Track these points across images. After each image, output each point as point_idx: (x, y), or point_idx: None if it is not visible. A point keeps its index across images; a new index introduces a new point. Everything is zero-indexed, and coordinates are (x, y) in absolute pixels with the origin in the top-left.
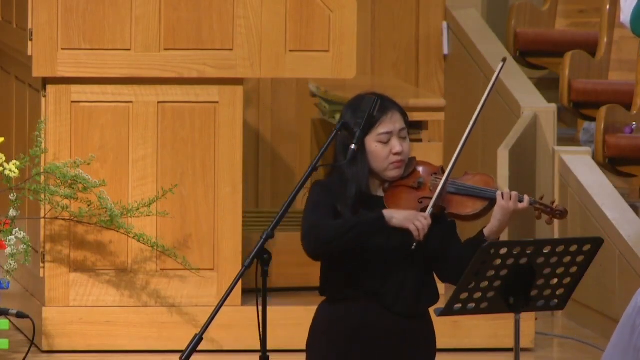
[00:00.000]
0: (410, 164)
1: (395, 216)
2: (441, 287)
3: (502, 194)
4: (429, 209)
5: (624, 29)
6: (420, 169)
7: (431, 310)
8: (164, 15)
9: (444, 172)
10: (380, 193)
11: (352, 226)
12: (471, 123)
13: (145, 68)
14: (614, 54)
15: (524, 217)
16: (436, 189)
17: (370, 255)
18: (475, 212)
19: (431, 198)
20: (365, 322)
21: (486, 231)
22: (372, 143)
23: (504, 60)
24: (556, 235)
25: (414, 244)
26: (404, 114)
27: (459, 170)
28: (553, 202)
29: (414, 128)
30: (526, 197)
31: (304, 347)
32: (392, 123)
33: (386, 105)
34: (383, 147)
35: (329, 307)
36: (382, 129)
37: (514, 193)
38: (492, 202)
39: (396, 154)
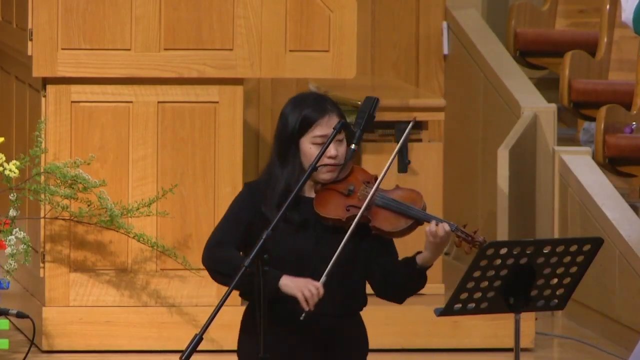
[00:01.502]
0: (346, 167)
1: (289, 283)
2: (440, 287)
3: (430, 226)
4: (323, 279)
5: (624, 29)
6: (355, 175)
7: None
8: (164, 15)
9: (375, 182)
10: (312, 194)
11: (246, 276)
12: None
13: (145, 68)
14: (614, 54)
15: (524, 217)
16: (364, 199)
17: (301, 259)
18: (398, 230)
19: (358, 207)
20: (293, 322)
21: (419, 259)
22: (307, 144)
23: (414, 119)
24: (556, 235)
25: (303, 314)
26: (341, 117)
27: (390, 181)
28: (475, 232)
29: (414, 128)
30: (447, 224)
31: None
32: (328, 126)
33: (324, 108)
34: (317, 149)
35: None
36: (317, 131)
37: (439, 225)
38: (416, 222)
39: (330, 157)
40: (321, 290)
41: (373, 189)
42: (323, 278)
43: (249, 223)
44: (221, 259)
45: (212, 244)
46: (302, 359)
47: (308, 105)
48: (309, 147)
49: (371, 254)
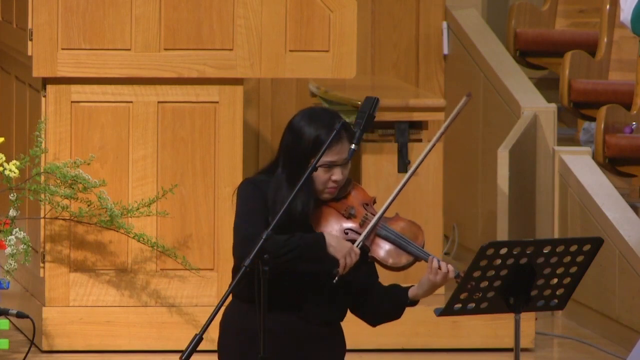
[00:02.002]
0: (346, 184)
1: (333, 244)
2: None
3: (432, 264)
4: (358, 244)
5: (624, 29)
6: (353, 194)
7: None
8: (164, 15)
9: (374, 204)
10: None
11: (293, 247)
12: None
13: (145, 68)
14: (614, 54)
15: (524, 217)
16: (366, 226)
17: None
18: (396, 266)
19: (358, 233)
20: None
21: (410, 293)
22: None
23: (469, 95)
24: (556, 235)
25: (336, 278)
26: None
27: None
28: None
29: (414, 128)
30: (451, 269)
31: None
32: (339, 154)
33: (340, 135)
34: (324, 173)
35: (239, 305)
36: (329, 157)
37: (442, 264)
38: (416, 259)
39: (334, 180)
40: (358, 257)
41: (375, 218)
42: (358, 243)
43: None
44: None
45: (241, 240)
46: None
47: (323, 127)
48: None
49: (363, 280)
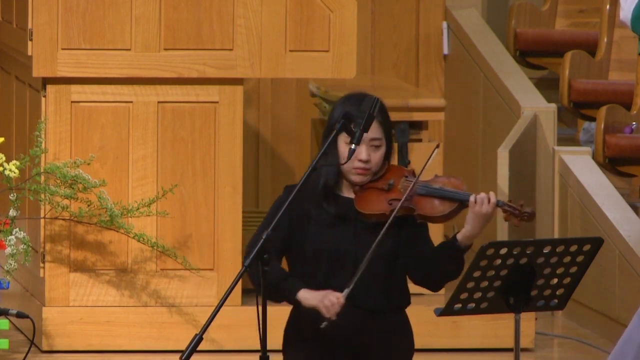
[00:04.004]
0: (381, 168)
1: (308, 297)
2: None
3: (475, 198)
4: (346, 290)
5: (624, 28)
6: (392, 171)
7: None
8: (164, 15)
9: (414, 175)
10: (350, 194)
11: (273, 285)
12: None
13: (145, 68)
14: (614, 54)
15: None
16: (406, 190)
17: (340, 257)
18: (444, 214)
19: (399, 199)
20: (336, 321)
21: (459, 236)
22: (342, 143)
23: (438, 146)
24: (556, 235)
25: (324, 323)
26: (385, 125)
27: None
28: (522, 205)
29: (414, 128)
30: (493, 195)
31: None
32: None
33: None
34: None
35: (299, 307)
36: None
37: (484, 196)
38: (463, 204)
39: (360, 160)
40: (342, 300)
41: (415, 178)
42: (346, 290)
43: (290, 224)
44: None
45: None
46: (337, 356)
47: (354, 103)
48: (342, 146)
49: (407, 244)
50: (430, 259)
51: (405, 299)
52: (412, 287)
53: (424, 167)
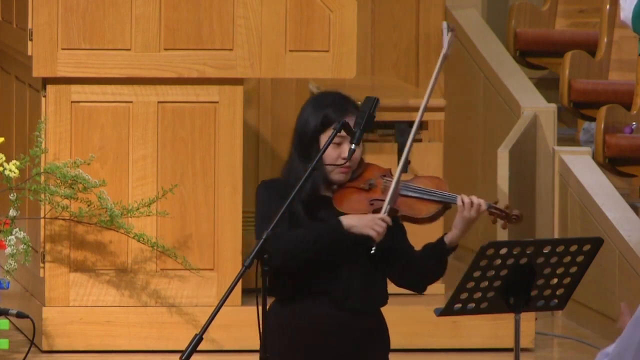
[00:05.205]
0: (359, 166)
1: (354, 224)
2: (440, 287)
3: (464, 202)
4: (385, 208)
5: (624, 28)
6: (368, 170)
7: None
8: (164, 15)
9: (392, 175)
10: (329, 193)
11: (314, 239)
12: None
13: (145, 68)
14: (614, 54)
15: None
16: (388, 191)
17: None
18: (429, 216)
19: (382, 200)
20: (317, 320)
21: (447, 239)
22: (324, 144)
23: (453, 29)
24: (556, 235)
25: (373, 248)
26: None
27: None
28: (508, 207)
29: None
30: (482, 201)
31: None
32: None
33: (345, 109)
34: (333, 149)
35: (280, 307)
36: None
37: (473, 199)
38: (447, 206)
39: (344, 159)
40: (388, 220)
41: (396, 177)
42: (385, 208)
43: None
44: (285, 242)
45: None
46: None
47: (330, 105)
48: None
49: (394, 246)
50: (416, 261)
51: (384, 298)
52: None
53: (402, 162)
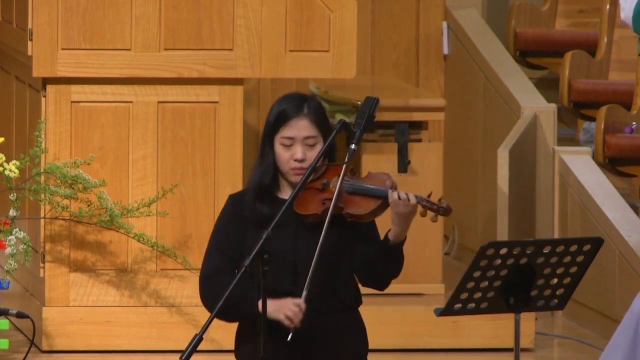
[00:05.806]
0: (320, 168)
1: (269, 309)
2: (440, 287)
3: (392, 198)
4: (303, 293)
5: (624, 28)
6: (329, 171)
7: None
8: (164, 15)
9: (354, 173)
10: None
11: (232, 311)
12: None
13: (145, 68)
14: (614, 54)
15: (524, 217)
16: (336, 189)
17: (281, 258)
18: (368, 212)
19: (331, 199)
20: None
21: (390, 235)
22: (277, 144)
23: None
24: (556, 235)
25: (290, 334)
26: (318, 123)
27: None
28: (440, 199)
29: (414, 128)
30: (412, 195)
31: None
32: (296, 129)
33: (300, 109)
34: (285, 151)
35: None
36: (285, 132)
37: (401, 194)
38: (385, 200)
39: (296, 160)
40: (303, 306)
41: (340, 177)
42: (304, 292)
43: (240, 234)
44: (216, 296)
45: (206, 274)
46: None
47: (288, 103)
48: (277, 147)
49: (354, 244)
50: (370, 260)
51: (356, 299)
52: (412, 288)
53: (347, 161)
